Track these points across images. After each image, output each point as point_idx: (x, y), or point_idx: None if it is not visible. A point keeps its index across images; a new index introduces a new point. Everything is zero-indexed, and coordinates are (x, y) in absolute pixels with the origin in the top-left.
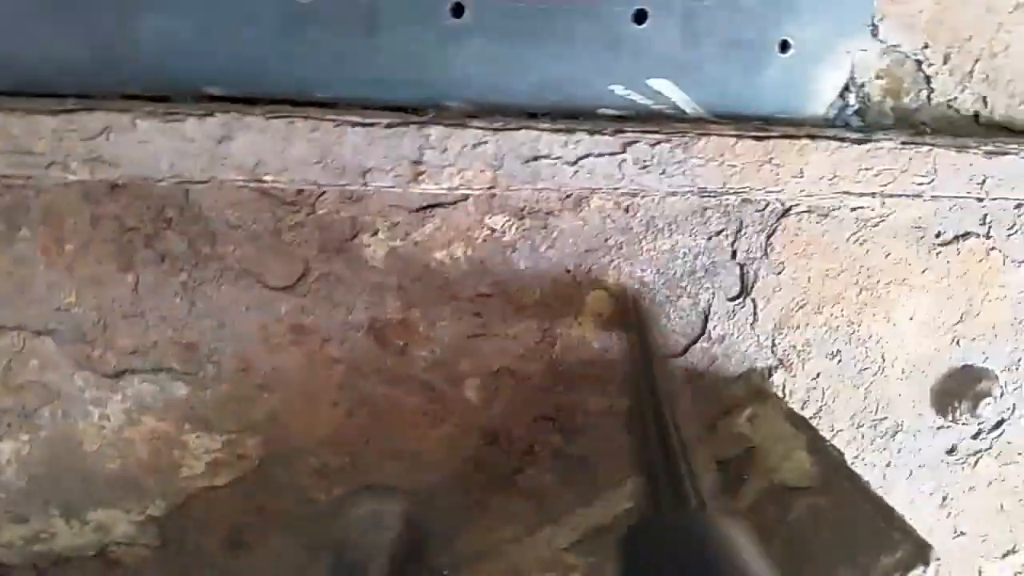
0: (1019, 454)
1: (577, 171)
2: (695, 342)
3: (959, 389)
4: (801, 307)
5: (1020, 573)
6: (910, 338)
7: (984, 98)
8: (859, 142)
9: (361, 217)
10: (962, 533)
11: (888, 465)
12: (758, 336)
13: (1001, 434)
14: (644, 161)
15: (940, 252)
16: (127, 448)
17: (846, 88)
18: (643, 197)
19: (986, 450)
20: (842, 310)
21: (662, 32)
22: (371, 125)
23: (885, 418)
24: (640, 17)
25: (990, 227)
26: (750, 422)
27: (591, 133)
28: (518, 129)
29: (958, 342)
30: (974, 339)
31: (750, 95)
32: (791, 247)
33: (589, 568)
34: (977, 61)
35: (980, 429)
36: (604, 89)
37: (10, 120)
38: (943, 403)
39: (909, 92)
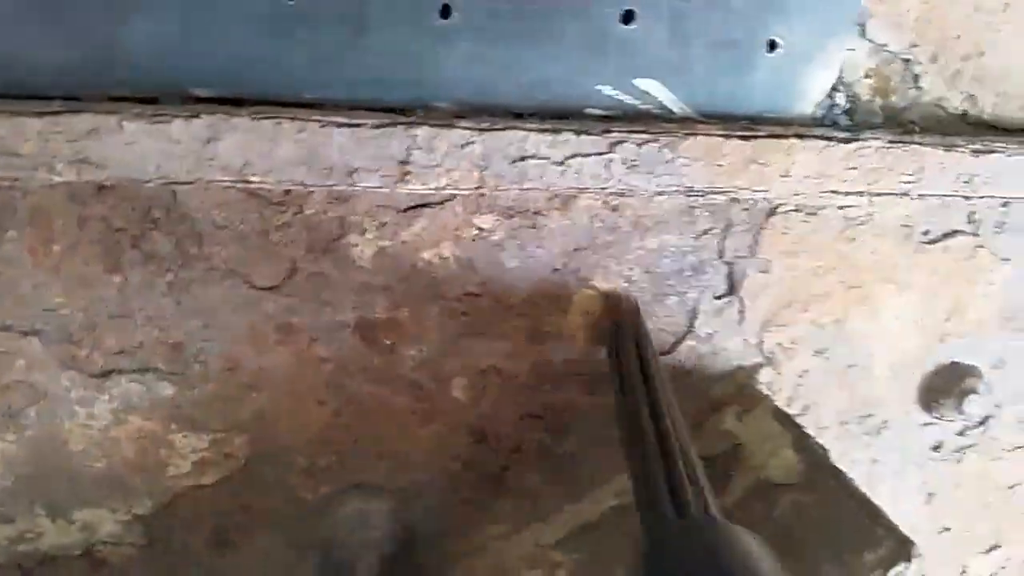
0: (1004, 450)
1: (564, 171)
2: (682, 340)
3: (945, 386)
4: (788, 305)
5: (1004, 568)
6: (897, 336)
7: (972, 97)
8: (846, 141)
9: (349, 217)
10: (947, 529)
11: (874, 462)
12: (745, 334)
13: (986, 431)
14: (631, 161)
15: (927, 250)
16: (113, 448)
17: (834, 87)
18: (631, 197)
19: (971, 446)
20: (829, 308)
21: (650, 32)
22: (358, 126)
23: (871, 415)
24: (628, 17)
25: (977, 225)
26: (737, 419)
27: (578, 133)
28: (505, 129)
29: (944, 339)
30: (960, 336)
31: (738, 95)
32: (778, 246)
33: (575, 565)
34: (965, 60)
35: (966, 426)
36: (591, 89)
37: None
38: (929, 400)
39: (897, 91)
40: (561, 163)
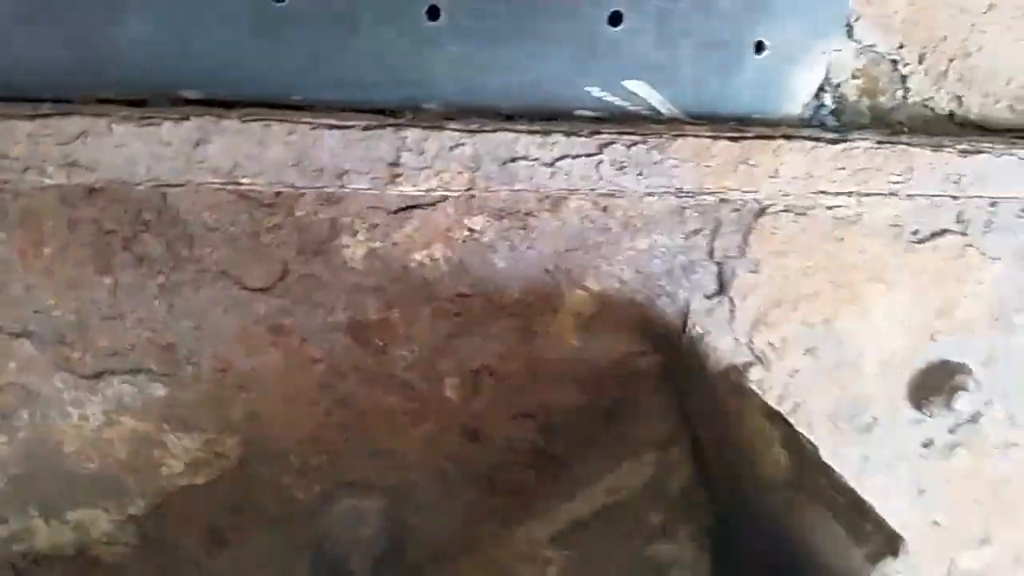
0: (994, 447)
1: (554, 172)
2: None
3: (935, 384)
4: (778, 305)
5: (994, 563)
6: (886, 334)
7: (959, 97)
8: (834, 142)
9: (339, 219)
10: (937, 524)
11: (865, 459)
12: (735, 333)
13: (976, 428)
14: (621, 162)
15: (916, 249)
16: (106, 448)
17: (822, 88)
18: (621, 198)
19: (961, 443)
20: (819, 307)
21: (638, 34)
22: (348, 128)
23: (862, 413)
24: (615, 19)
25: (966, 224)
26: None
27: (567, 135)
28: (495, 131)
29: (934, 338)
30: (950, 335)
31: (726, 96)
32: (768, 246)
33: (566, 562)
34: (952, 61)
35: (956, 423)
36: (580, 91)
37: None
38: (919, 397)
39: (885, 92)
40: (551, 164)
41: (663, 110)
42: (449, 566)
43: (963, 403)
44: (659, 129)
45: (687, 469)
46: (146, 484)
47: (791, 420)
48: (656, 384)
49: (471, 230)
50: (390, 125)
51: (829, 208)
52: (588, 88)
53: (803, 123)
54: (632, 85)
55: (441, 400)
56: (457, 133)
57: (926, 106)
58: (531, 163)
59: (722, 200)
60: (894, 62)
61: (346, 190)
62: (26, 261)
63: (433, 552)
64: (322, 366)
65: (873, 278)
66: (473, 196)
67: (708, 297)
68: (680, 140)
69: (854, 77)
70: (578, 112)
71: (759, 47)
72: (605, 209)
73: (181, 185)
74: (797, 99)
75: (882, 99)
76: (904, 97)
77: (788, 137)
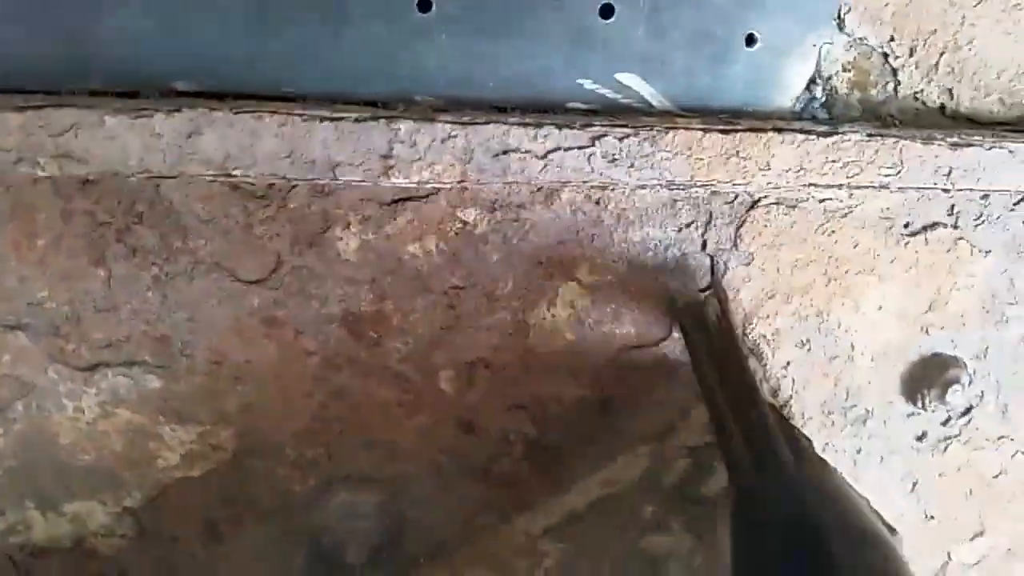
0: (987, 440)
1: (547, 165)
2: (668, 333)
3: (928, 377)
4: (770, 297)
5: (988, 556)
6: (879, 327)
7: (950, 90)
8: (825, 134)
9: (332, 211)
10: (932, 517)
11: (858, 452)
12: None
13: (970, 421)
14: (612, 155)
15: (908, 242)
16: (102, 440)
17: (813, 81)
18: (613, 190)
19: (955, 436)
20: (811, 300)
21: (629, 26)
22: (340, 120)
23: (855, 406)
24: (607, 12)
25: (957, 217)
26: None
27: (559, 127)
28: (487, 123)
29: (927, 331)
30: (942, 328)
31: (717, 89)
32: (760, 238)
33: (561, 554)
34: (943, 54)
35: (949, 416)
36: (572, 83)
37: None
38: (912, 391)
39: (876, 85)
40: (543, 157)
41: (655, 103)
42: (445, 558)
43: (956, 396)
44: (651, 122)
45: (682, 462)
46: (142, 476)
47: (784, 413)
48: (652, 376)
49: (464, 222)
50: (382, 117)
51: (820, 201)
52: (580, 80)
53: (794, 116)
54: (624, 78)
55: (436, 392)
56: (449, 125)
57: (917, 99)
58: (523, 155)
59: (714, 193)
60: (885, 55)
61: (339, 182)
62: (19, 253)
63: (429, 544)
64: (316, 358)
65: (865, 271)
66: (465, 188)
67: (701, 291)
68: (671, 133)
69: (845, 70)
70: (570, 104)
71: (750, 40)
72: (598, 202)
73: (174, 177)
74: (788, 92)
75: (873, 92)
76: (895, 90)
77: (779, 130)
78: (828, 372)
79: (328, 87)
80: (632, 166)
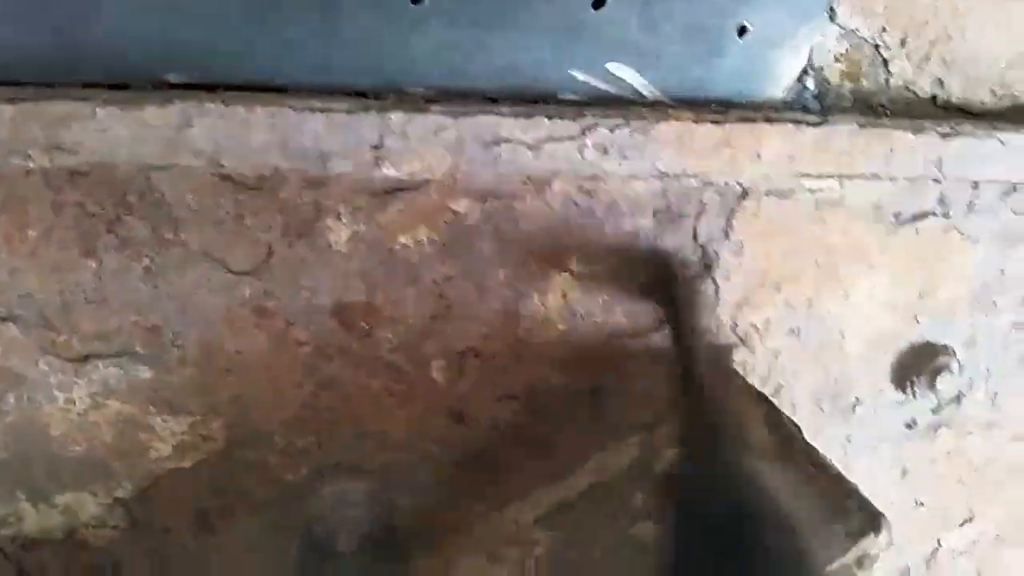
0: (976, 427)
1: (538, 155)
2: (659, 323)
3: (918, 365)
4: (761, 286)
5: (977, 542)
6: (869, 315)
7: (941, 81)
8: (816, 125)
9: (323, 202)
10: (921, 504)
11: (848, 439)
12: (719, 315)
13: (959, 408)
14: (604, 145)
15: (898, 232)
16: (93, 431)
17: (804, 72)
18: (604, 181)
19: (945, 424)
20: (802, 289)
21: (621, 17)
22: (331, 111)
23: (845, 394)
24: (599, 2)
25: (948, 207)
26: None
27: (551, 118)
28: (478, 114)
29: (917, 319)
30: (932, 316)
31: (708, 79)
32: (751, 228)
33: (552, 542)
34: (933, 45)
35: (939, 403)
36: (564, 74)
37: None
38: (902, 379)
39: (867, 75)
40: (534, 147)
41: (646, 93)
42: (436, 547)
43: (946, 384)
44: (642, 112)
45: (672, 451)
46: (133, 467)
47: (774, 401)
48: (642, 366)
49: (455, 213)
50: (373, 108)
51: (812, 191)
52: (571, 71)
53: (786, 106)
54: (615, 68)
55: (427, 382)
56: (440, 116)
57: (908, 89)
58: (515, 146)
59: (705, 183)
60: (876, 46)
61: (330, 173)
62: (11, 245)
63: (420, 533)
64: (307, 349)
65: (856, 260)
66: (457, 179)
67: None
68: (663, 123)
69: (837, 61)
70: (561, 95)
71: (742, 31)
72: (589, 192)
73: (165, 168)
74: (780, 83)
75: (864, 83)
76: (886, 81)
77: (770, 120)
78: (818, 361)
79: (319, 78)
80: (623, 157)
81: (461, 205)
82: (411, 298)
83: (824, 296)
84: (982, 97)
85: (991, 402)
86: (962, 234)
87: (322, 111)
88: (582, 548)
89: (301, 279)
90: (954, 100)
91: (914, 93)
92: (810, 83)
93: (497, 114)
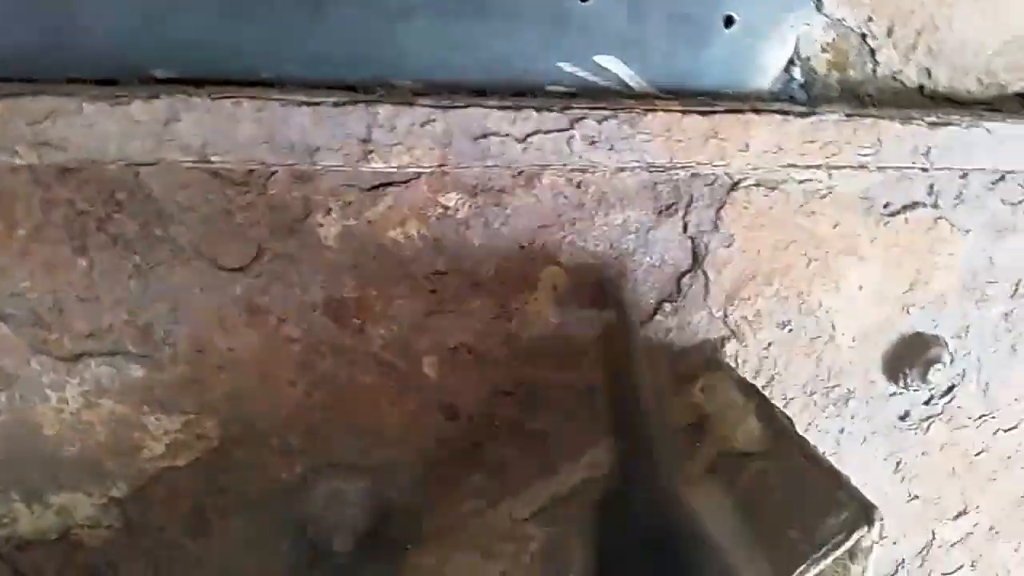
0: (969, 419)
1: (527, 148)
2: (653, 315)
3: (909, 356)
4: (752, 278)
5: (971, 534)
6: (860, 307)
7: (928, 70)
8: (804, 115)
9: (313, 197)
10: (915, 496)
11: (841, 432)
12: (710, 308)
13: (952, 400)
14: (592, 137)
15: (888, 222)
16: (87, 431)
17: (791, 62)
18: (593, 173)
19: (937, 415)
20: (792, 281)
21: (608, 9)
22: (318, 104)
23: (837, 386)
24: None
25: (936, 197)
26: (703, 392)
27: (539, 110)
28: (466, 107)
29: (908, 310)
30: (923, 307)
31: (696, 70)
32: (741, 220)
33: (546, 538)
34: (920, 34)
35: (931, 395)
36: (552, 66)
37: None
38: (894, 370)
39: (855, 65)
40: (523, 140)
41: (634, 85)
42: (431, 544)
43: (938, 375)
44: (630, 104)
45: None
46: (127, 467)
47: (766, 393)
48: None
49: (445, 207)
50: (361, 101)
51: (800, 182)
52: (559, 63)
53: (773, 97)
54: (603, 60)
55: (419, 378)
56: (428, 109)
57: (895, 79)
58: (503, 139)
59: (694, 175)
60: (863, 36)
61: (318, 167)
62: (1, 243)
63: (415, 530)
64: (299, 346)
65: (846, 251)
66: (446, 173)
67: (683, 272)
68: (651, 115)
69: (823, 51)
70: (549, 87)
71: (728, 21)
72: (578, 185)
73: (153, 164)
74: (767, 73)
75: (852, 72)
76: (873, 70)
77: (758, 111)
78: (810, 353)
79: (306, 72)
80: (612, 148)
81: (451, 199)
82: (403, 294)
83: (815, 288)
84: (969, 86)
85: (983, 393)
86: (952, 224)
87: (309, 105)
88: (577, 544)
89: (292, 276)
90: (941, 89)
91: (901, 83)
92: (797, 73)
93: (485, 107)
